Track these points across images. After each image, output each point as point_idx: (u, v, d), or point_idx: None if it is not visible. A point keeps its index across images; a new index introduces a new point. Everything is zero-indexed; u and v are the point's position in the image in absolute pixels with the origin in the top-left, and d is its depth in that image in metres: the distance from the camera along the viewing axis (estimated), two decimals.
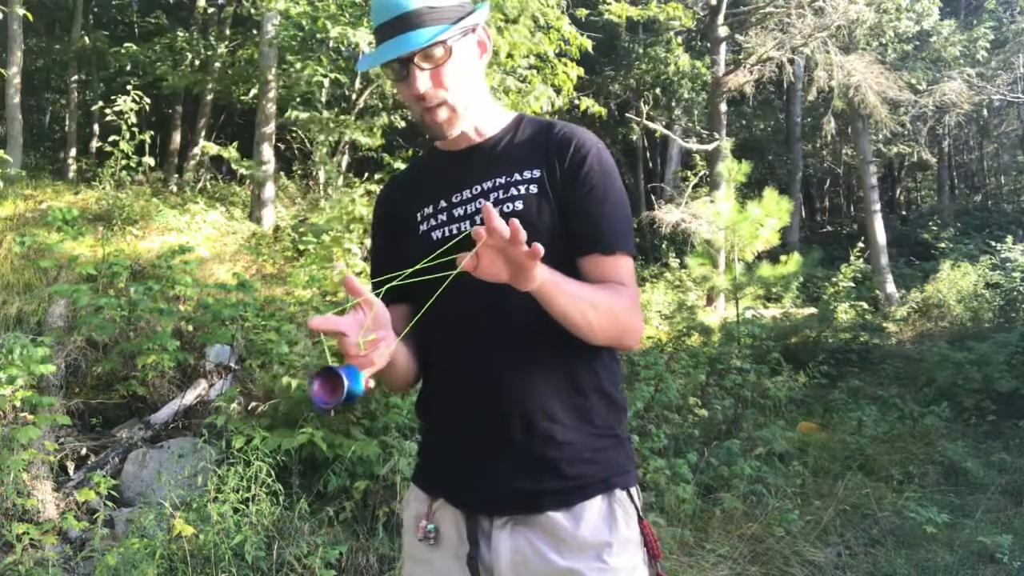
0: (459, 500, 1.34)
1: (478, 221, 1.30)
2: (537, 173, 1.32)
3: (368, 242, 7.11)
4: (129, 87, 7.39)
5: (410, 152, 9.78)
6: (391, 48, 1.24)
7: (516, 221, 1.01)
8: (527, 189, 1.31)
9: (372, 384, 1.15)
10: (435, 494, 1.37)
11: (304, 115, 8.97)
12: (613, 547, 1.26)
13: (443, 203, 1.36)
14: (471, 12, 1.29)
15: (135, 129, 7.15)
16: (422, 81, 1.25)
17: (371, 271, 1.50)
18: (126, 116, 7.04)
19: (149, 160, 7.75)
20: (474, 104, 1.33)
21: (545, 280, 1.11)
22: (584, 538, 1.25)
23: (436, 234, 1.34)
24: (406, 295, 1.28)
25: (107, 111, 7.55)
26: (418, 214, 1.38)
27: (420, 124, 1.36)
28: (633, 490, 1.33)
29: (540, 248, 1.02)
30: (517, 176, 1.32)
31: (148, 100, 7.55)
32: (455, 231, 1.33)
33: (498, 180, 1.33)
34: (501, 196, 1.31)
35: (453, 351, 1.31)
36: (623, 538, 1.27)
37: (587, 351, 1.29)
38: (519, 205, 1.29)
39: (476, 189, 1.34)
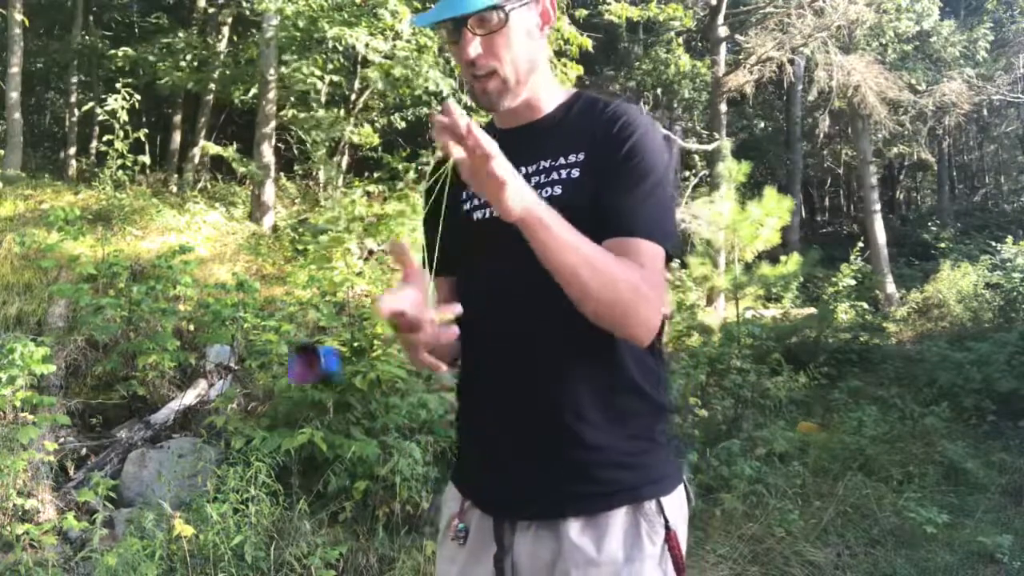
0: (484, 502, 1.31)
1: None
2: (581, 156, 1.25)
3: (368, 242, 7.12)
4: (118, 85, 7.39)
5: (408, 152, 9.77)
6: (447, 7, 1.19)
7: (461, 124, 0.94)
8: (568, 174, 1.24)
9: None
10: (464, 494, 1.35)
11: (301, 115, 8.98)
12: (633, 565, 1.20)
13: None
14: None
15: (128, 128, 7.14)
16: (473, 47, 1.20)
17: (424, 238, 1.42)
18: (118, 115, 7.03)
19: (145, 159, 7.74)
20: (527, 78, 1.25)
21: (531, 210, 1.03)
22: (603, 555, 1.20)
23: (477, 215, 1.31)
24: (453, 266, 1.26)
25: (98, 110, 7.56)
26: (463, 192, 1.32)
27: (469, 94, 1.30)
28: (665, 499, 1.25)
29: (481, 142, 0.96)
30: (561, 160, 1.26)
31: (139, 98, 7.54)
32: (495, 213, 1.23)
33: (542, 163, 1.27)
34: (542, 180, 1.25)
35: (484, 341, 1.27)
36: (645, 555, 1.21)
37: (627, 350, 1.23)
38: (557, 190, 1.23)
39: (520, 172, 1.24)
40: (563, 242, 1.07)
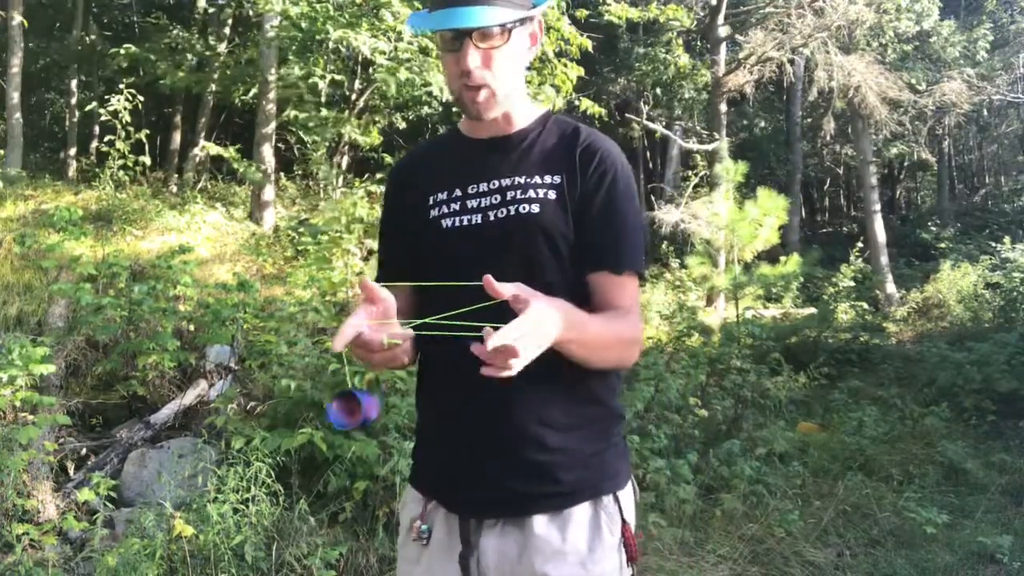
0: (451, 501, 1.34)
1: (491, 217, 1.30)
2: (558, 179, 1.30)
3: (368, 243, 7.11)
4: (122, 86, 7.39)
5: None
6: (452, 17, 1.22)
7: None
8: (546, 194, 1.29)
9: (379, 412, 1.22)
10: (429, 495, 1.37)
11: (303, 115, 8.97)
12: (595, 554, 1.27)
13: (458, 192, 1.34)
14: (535, 3, 1.29)
15: (130, 128, 7.15)
16: (472, 58, 1.24)
17: (378, 244, 1.50)
18: (120, 116, 7.04)
19: (146, 159, 7.74)
20: (513, 93, 1.32)
21: (562, 334, 1.11)
22: (568, 545, 1.27)
23: (447, 223, 1.32)
24: (411, 279, 1.31)
25: (101, 111, 7.56)
26: (431, 198, 1.36)
27: (455, 100, 1.34)
28: (621, 493, 1.33)
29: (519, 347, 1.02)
30: (538, 179, 1.31)
31: (142, 99, 7.54)
32: (466, 222, 1.31)
33: (518, 179, 1.31)
34: (519, 196, 1.30)
35: (452, 352, 1.29)
36: (606, 545, 1.28)
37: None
38: (535, 208, 1.28)
39: (494, 184, 1.32)
40: (582, 344, 1.17)
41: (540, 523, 1.27)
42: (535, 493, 1.28)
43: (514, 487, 1.28)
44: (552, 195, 1.29)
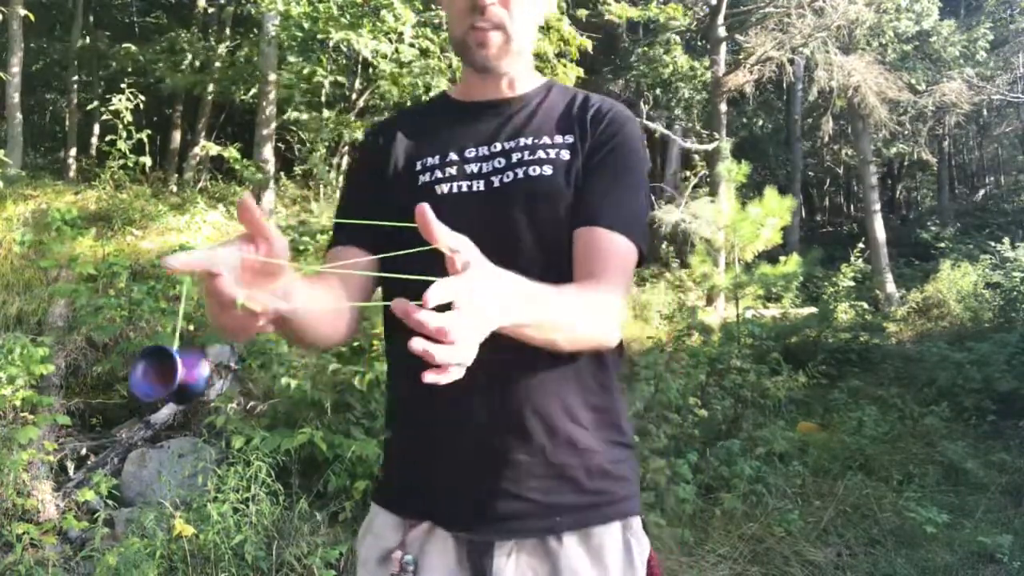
0: (453, 522, 1.10)
1: (495, 183, 1.13)
2: (570, 139, 1.16)
3: None
4: (124, 85, 7.40)
5: None
6: None
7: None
8: (558, 154, 1.14)
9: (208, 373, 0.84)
10: (415, 517, 1.13)
11: (305, 116, 8.97)
12: None
13: (453, 155, 1.17)
14: None
15: (131, 128, 7.15)
16: None
17: (338, 208, 1.25)
18: (122, 115, 7.04)
19: (146, 160, 7.74)
20: (524, 51, 1.18)
21: (514, 320, 0.83)
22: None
23: (442, 188, 1.14)
24: (369, 239, 1.12)
25: (103, 110, 7.55)
26: (418, 163, 1.18)
27: (456, 46, 1.18)
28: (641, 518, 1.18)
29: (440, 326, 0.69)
30: (547, 140, 1.16)
31: (143, 99, 7.54)
32: (464, 188, 1.14)
33: (523, 140, 1.16)
34: (527, 157, 1.14)
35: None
36: (638, 574, 1.14)
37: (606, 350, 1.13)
38: (547, 170, 1.12)
39: (496, 147, 1.16)
40: (539, 329, 0.92)
41: (567, 549, 1.09)
42: (558, 504, 1.09)
43: (533, 496, 1.09)
44: (565, 155, 1.14)
